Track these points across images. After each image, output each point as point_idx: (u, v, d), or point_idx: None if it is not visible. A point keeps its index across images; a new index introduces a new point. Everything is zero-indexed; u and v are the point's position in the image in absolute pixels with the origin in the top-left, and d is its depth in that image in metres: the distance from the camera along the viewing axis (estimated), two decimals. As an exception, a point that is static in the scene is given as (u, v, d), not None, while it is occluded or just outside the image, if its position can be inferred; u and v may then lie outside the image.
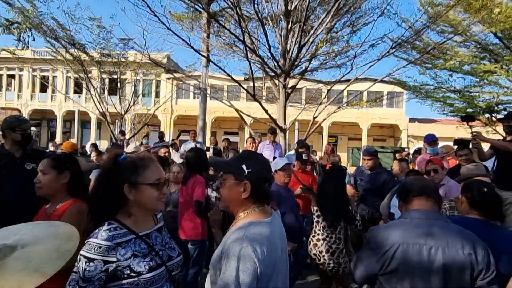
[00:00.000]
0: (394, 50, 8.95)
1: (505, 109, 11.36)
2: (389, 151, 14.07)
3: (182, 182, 3.83)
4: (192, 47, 7.93)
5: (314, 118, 9.10)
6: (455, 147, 4.75)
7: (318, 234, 3.51)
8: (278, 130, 8.31)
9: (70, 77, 22.79)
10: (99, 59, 13.45)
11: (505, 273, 1.70)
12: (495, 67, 10.49)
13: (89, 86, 13.80)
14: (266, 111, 8.28)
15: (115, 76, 14.66)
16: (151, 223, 1.64)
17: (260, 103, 8.33)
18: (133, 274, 1.44)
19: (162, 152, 6.20)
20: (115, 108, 14.45)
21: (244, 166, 1.51)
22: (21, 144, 3.07)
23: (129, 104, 14.73)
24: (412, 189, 1.87)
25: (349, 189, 5.15)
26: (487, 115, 12.08)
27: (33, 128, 3.75)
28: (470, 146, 4.43)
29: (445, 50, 11.18)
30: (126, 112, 14.72)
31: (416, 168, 5.45)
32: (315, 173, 6.11)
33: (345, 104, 10.99)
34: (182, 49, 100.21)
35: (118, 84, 14.75)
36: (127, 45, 12.67)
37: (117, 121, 14.70)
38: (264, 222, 1.48)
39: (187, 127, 15.65)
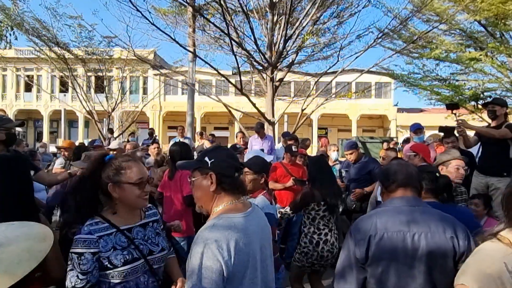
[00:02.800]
0: (380, 40, 8.97)
1: (490, 97, 11.48)
2: (378, 141, 14.20)
3: (168, 177, 3.78)
4: (177, 42, 7.81)
5: (302, 110, 9.10)
6: (442, 134, 4.80)
7: (324, 228, 3.37)
8: (266, 124, 8.29)
9: (55, 75, 22.34)
10: (83, 57, 13.20)
11: None
12: (480, 55, 10.59)
13: (74, 84, 13.56)
14: (254, 105, 8.23)
15: (100, 74, 14.43)
16: (136, 218, 1.73)
17: (248, 97, 8.27)
18: (109, 266, 1.54)
19: (152, 148, 6.17)
20: (102, 106, 14.24)
21: (206, 158, 1.52)
22: (6, 143, 3.04)
23: (116, 102, 14.52)
24: (397, 179, 1.84)
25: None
26: (473, 103, 12.23)
27: (18, 129, 3.67)
28: (456, 133, 4.48)
29: (431, 39, 11.24)
30: (113, 109, 14.50)
31: (403, 156, 5.47)
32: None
33: (333, 96, 11.00)
34: (169, 44, 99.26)
35: (105, 81, 14.51)
36: (112, 42, 12.44)
37: (104, 119, 14.49)
38: (236, 216, 1.45)
39: (176, 124, 15.55)
